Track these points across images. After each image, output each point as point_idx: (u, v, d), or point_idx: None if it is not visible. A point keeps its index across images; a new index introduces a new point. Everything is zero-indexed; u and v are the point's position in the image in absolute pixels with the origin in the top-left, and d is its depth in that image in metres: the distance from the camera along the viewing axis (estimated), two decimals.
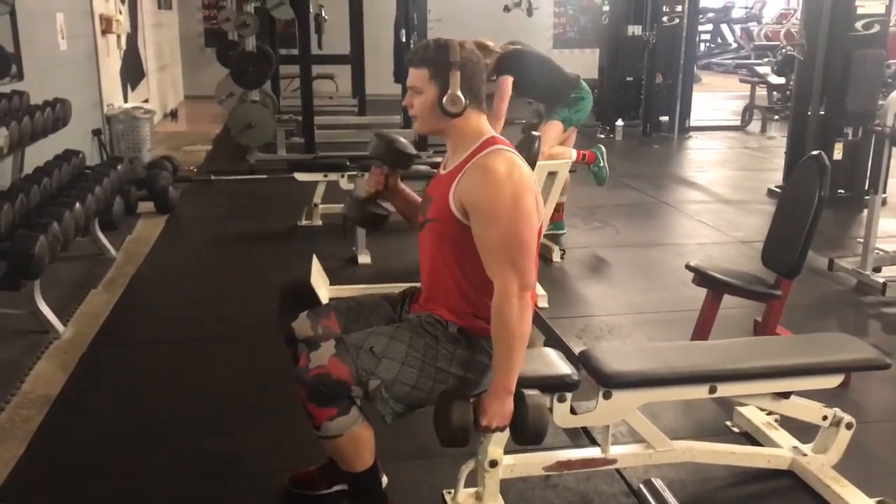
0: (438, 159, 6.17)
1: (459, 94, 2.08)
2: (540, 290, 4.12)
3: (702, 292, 3.27)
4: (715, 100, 13.01)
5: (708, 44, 18.60)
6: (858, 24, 5.97)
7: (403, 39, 9.03)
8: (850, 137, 6.17)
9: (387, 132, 2.44)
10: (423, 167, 5.40)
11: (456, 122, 2.12)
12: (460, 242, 2.10)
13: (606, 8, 10.17)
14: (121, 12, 8.18)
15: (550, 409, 2.25)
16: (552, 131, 5.04)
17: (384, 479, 2.43)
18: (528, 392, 2.09)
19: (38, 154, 4.69)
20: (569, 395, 2.25)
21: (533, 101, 5.15)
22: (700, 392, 2.38)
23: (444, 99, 2.08)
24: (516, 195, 2.02)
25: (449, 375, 2.13)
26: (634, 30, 9.59)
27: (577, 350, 2.93)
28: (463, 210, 2.07)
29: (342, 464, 2.25)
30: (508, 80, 4.85)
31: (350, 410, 2.13)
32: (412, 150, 2.43)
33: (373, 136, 2.44)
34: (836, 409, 2.54)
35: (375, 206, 2.47)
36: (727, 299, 3.22)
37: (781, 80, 10.07)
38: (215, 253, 5.16)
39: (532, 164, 3.68)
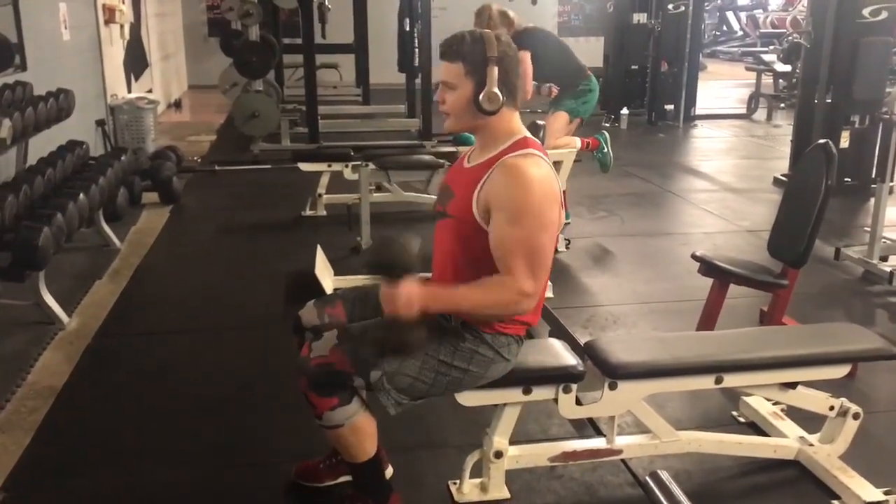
0: (443, 149, 6.18)
1: (497, 90, 2.02)
2: None
3: (708, 282, 3.26)
4: (721, 88, 12.95)
5: (714, 32, 18.51)
6: (866, 11, 5.92)
7: (407, 28, 9.00)
8: (857, 125, 6.13)
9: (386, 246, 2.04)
10: (426, 157, 5.40)
11: (490, 119, 2.07)
12: (474, 245, 2.07)
13: None
14: (124, 2, 8.16)
15: (556, 400, 2.24)
16: (557, 122, 5.05)
17: (389, 470, 2.43)
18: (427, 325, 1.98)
19: (42, 145, 4.69)
20: (574, 386, 2.24)
21: (539, 82, 5.17)
22: (706, 382, 2.38)
23: (482, 96, 2.02)
24: (543, 203, 1.99)
25: (452, 368, 2.12)
26: (640, 17, 9.56)
27: (582, 340, 2.92)
28: (485, 212, 2.03)
29: (345, 454, 2.25)
30: (527, 55, 4.89)
31: (351, 400, 2.12)
32: (407, 256, 1.98)
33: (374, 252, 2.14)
34: (843, 399, 2.53)
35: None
36: (733, 289, 3.21)
37: (788, 68, 10.02)
38: (220, 243, 5.16)
39: None
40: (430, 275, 2.31)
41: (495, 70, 2.02)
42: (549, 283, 4.08)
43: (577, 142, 5.05)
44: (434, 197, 2.60)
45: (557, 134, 4.94)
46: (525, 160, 2.02)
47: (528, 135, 2.13)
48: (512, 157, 2.03)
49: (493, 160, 2.06)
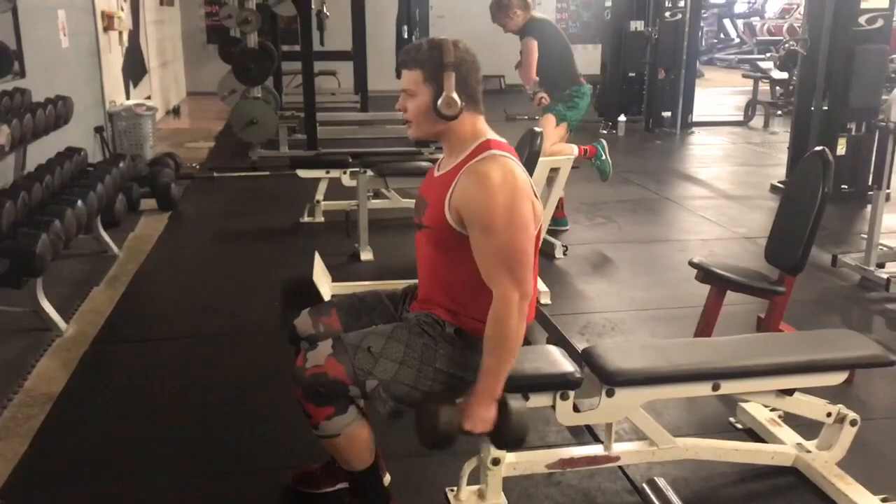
0: (441, 156, 6.16)
1: (454, 96, 2.03)
2: (542, 286, 4.12)
3: (705, 289, 3.26)
4: (717, 95, 12.97)
5: (712, 40, 18.55)
6: (862, 19, 5.94)
7: (405, 36, 9.04)
8: (853, 133, 6.15)
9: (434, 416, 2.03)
10: (424, 163, 5.40)
11: (452, 124, 2.07)
12: (455, 250, 2.07)
13: (609, 3, 10.15)
14: (122, 9, 8.18)
15: (553, 407, 2.24)
16: (548, 126, 5.08)
17: (387, 477, 2.43)
18: (513, 397, 2.07)
19: (41, 151, 4.69)
20: (571, 393, 2.24)
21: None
22: (703, 389, 2.38)
23: (439, 101, 2.03)
24: (512, 203, 1.98)
25: (447, 376, 2.12)
26: (637, 25, 9.57)
27: (579, 347, 2.91)
28: (459, 219, 2.04)
29: (342, 463, 2.25)
30: (534, 43, 4.98)
31: (347, 410, 2.12)
32: (448, 424, 2.02)
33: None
34: (841, 406, 2.54)
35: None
36: (730, 296, 3.21)
37: (784, 76, 10.02)
38: (218, 250, 5.16)
39: (534, 161, 3.68)
40: (414, 282, 2.32)
41: (452, 76, 2.03)
42: (547, 289, 4.12)
43: (575, 149, 5.07)
44: None
45: (550, 137, 4.96)
46: (487, 163, 2.02)
47: (493, 136, 2.12)
48: (474, 163, 2.04)
49: (459, 166, 2.07)
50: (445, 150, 2.18)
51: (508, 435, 2.05)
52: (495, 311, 2.00)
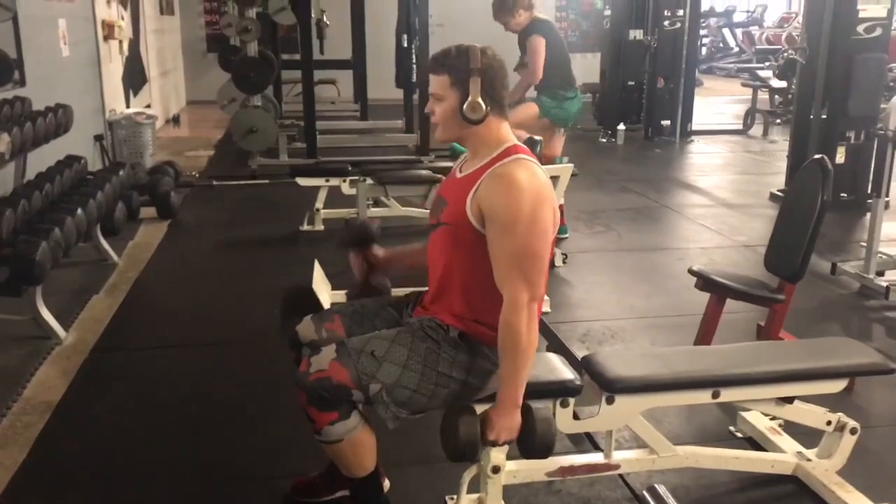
0: (441, 164, 6.19)
1: (480, 100, 2.06)
2: None
3: (705, 297, 3.26)
4: (717, 104, 13.00)
5: (711, 49, 18.60)
6: (860, 28, 5.96)
7: (405, 44, 9.04)
8: (852, 141, 6.16)
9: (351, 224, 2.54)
10: (424, 172, 5.41)
11: (477, 128, 2.11)
12: (473, 249, 2.08)
13: (608, 12, 10.18)
14: (123, 18, 8.20)
15: (553, 415, 2.24)
16: (526, 110, 5.10)
17: (387, 485, 2.43)
18: (535, 404, 2.08)
19: (40, 160, 4.70)
20: (571, 401, 2.24)
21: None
22: (703, 397, 2.38)
23: (465, 106, 2.07)
24: (535, 207, 2.00)
25: (451, 380, 2.12)
26: (636, 34, 9.59)
27: (579, 355, 2.92)
28: (480, 217, 2.05)
29: (343, 469, 2.24)
30: (542, 40, 5.03)
31: (350, 415, 2.12)
32: (370, 227, 2.56)
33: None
34: (841, 414, 2.53)
35: (371, 288, 2.53)
36: (730, 303, 3.21)
37: (783, 84, 10.06)
38: (217, 258, 5.16)
39: None
40: (421, 289, 2.32)
41: (478, 81, 2.06)
42: (546, 297, 4.11)
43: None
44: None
45: (518, 119, 4.85)
46: (514, 166, 2.05)
47: (517, 142, 2.15)
48: (501, 166, 2.06)
49: (484, 168, 2.09)
50: (470, 152, 2.21)
51: (535, 442, 2.06)
52: (505, 315, 2.01)
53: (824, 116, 6.19)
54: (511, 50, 5.57)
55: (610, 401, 2.28)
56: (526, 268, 2.00)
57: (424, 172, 5.35)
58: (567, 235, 5.40)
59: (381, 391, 2.07)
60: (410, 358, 2.10)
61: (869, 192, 5.83)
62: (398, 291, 2.56)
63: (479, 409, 2.13)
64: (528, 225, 1.99)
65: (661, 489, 2.44)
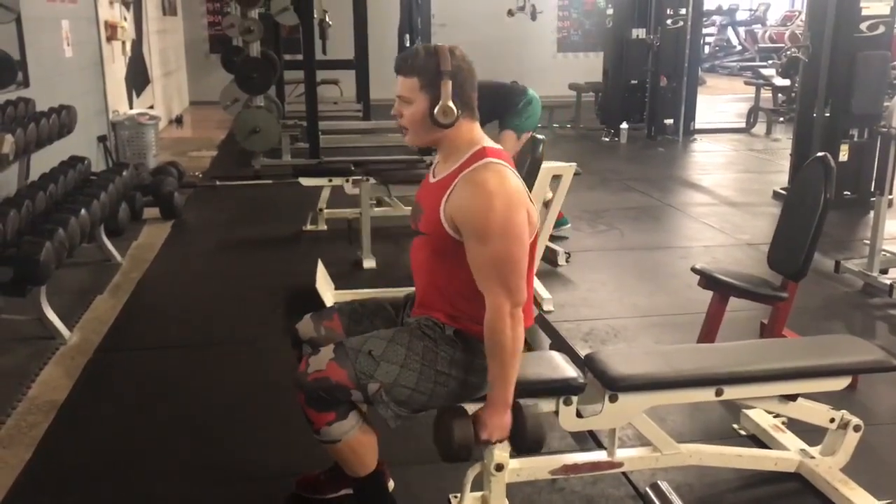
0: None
1: (451, 104, 2.03)
2: (545, 293, 4.13)
3: (708, 295, 3.26)
4: (720, 102, 12.99)
5: (715, 47, 18.58)
6: (863, 26, 5.95)
7: (407, 44, 9.05)
8: (855, 139, 6.15)
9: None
10: (427, 171, 5.41)
11: (448, 132, 2.07)
12: (451, 257, 2.07)
13: (610, 11, 10.18)
14: (126, 19, 8.22)
15: (556, 413, 2.25)
16: (508, 143, 5.04)
17: (391, 483, 2.43)
18: (525, 402, 2.09)
19: (44, 161, 4.71)
20: (575, 399, 2.24)
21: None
22: (707, 395, 2.38)
23: (436, 110, 2.03)
24: (507, 212, 1.98)
25: (450, 378, 2.12)
26: (638, 33, 9.59)
27: (582, 353, 2.92)
28: (454, 226, 2.04)
29: (345, 468, 2.25)
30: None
31: (348, 415, 2.13)
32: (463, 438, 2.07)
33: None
34: (844, 412, 2.53)
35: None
36: (733, 302, 3.21)
37: (786, 82, 10.05)
38: (221, 258, 5.17)
39: (536, 168, 3.69)
40: (413, 289, 2.32)
41: (449, 84, 2.02)
42: (550, 296, 4.12)
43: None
44: None
45: (511, 153, 4.90)
46: (482, 172, 2.02)
47: (489, 143, 2.12)
48: (469, 172, 2.03)
49: (455, 173, 2.07)
50: (441, 156, 2.18)
51: (526, 439, 2.07)
52: (489, 321, 2.01)
53: (827, 114, 6.18)
54: (511, 50, 5.58)
55: (613, 399, 2.28)
56: (504, 275, 1.98)
57: (427, 172, 5.35)
58: (569, 225, 5.40)
59: (379, 390, 2.08)
60: (408, 357, 2.10)
61: (872, 189, 5.82)
62: (397, 291, 2.57)
63: (472, 408, 2.14)
64: (502, 232, 1.97)
65: (665, 486, 2.45)
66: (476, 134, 2.13)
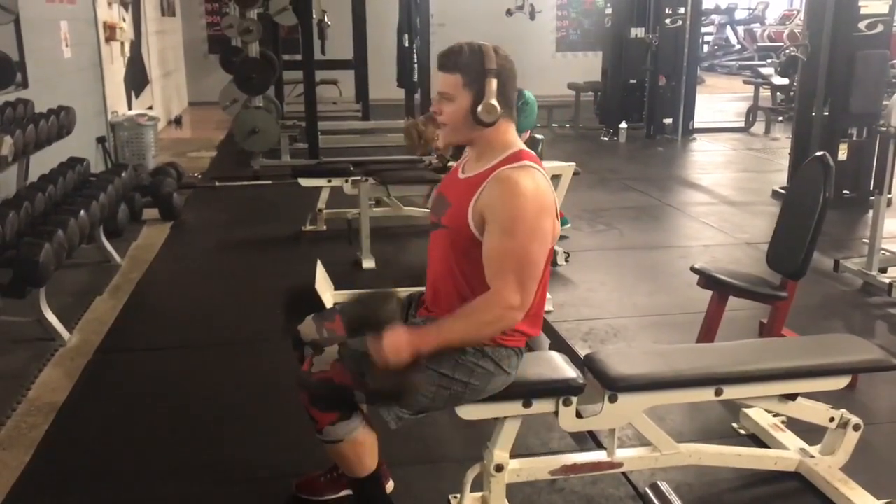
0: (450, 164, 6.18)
1: (495, 102, 2.02)
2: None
3: (707, 294, 3.26)
4: (718, 101, 12.99)
5: (714, 46, 18.58)
6: (862, 24, 5.96)
7: (406, 44, 9.05)
8: (854, 138, 6.15)
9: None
10: (426, 172, 5.41)
11: (486, 131, 2.07)
12: (469, 255, 2.07)
13: (609, 11, 10.18)
14: (124, 20, 8.21)
15: (556, 413, 2.25)
16: None
17: (391, 484, 2.43)
18: (421, 370, 1.98)
19: (43, 162, 4.71)
20: (574, 399, 2.24)
21: None
22: (706, 395, 2.38)
23: (480, 108, 2.02)
24: (538, 215, 1.99)
25: (453, 381, 2.11)
26: (637, 32, 9.59)
27: (582, 353, 2.92)
28: (481, 225, 2.03)
29: (345, 469, 2.25)
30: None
31: (352, 416, 2.13)
32: (387, 307, 2.01)
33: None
34: (844, 411, 2.53)
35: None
36: (733, 301, 3.21)
37: (785, 81, 10.04)
38: (220, 259, 5.17)
39: None
40: (423, 289, 2.32)
41: (494, 82, 2.02)
42: (549, 296, 4.11)
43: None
44: None
45: None
46: (520, 172, 2.02)
47: (524, 147, 2.13)
48: (507, 169, 2.03)
49: (489, 171, 2.06)
50: (473, 154, 2.16)
51: (380, 384, 1.95)
52: (488, 300, 1.99)
53: (826, 113, 6.18)
54: (510, 50, 5.57)
55: (613, 399, 2.28)
56: (521, 273, 1.98)
57: (427, 173, 5.35)
58: (569, 225, 5.40)
59: None
60: None
61: (871, 188, 5.82)
62: (399, 292, 2.56)
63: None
64: (530, 231, 1.97)
65: (664, 486, 2.45)
66: (512, 136, 2.13)
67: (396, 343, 1.93)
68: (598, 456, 2.47)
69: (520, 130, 5.20)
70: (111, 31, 7.53)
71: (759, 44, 17.16)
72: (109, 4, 7.68)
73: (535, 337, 2.31)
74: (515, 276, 1.98)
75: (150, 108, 9.04)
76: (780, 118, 10.46)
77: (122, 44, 8.11)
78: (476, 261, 2.05)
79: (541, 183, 2.03)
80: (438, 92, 2.10)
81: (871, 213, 4.72)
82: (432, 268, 2.24)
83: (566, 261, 4.83)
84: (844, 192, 6.16)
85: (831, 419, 2.52)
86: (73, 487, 2.61)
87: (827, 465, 2.54)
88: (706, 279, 3.21)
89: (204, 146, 9.08)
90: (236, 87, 7.91)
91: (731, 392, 2.38)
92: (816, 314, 4.09)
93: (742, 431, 2.90)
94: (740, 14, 19.07)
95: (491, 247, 2.01)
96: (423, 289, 2.35)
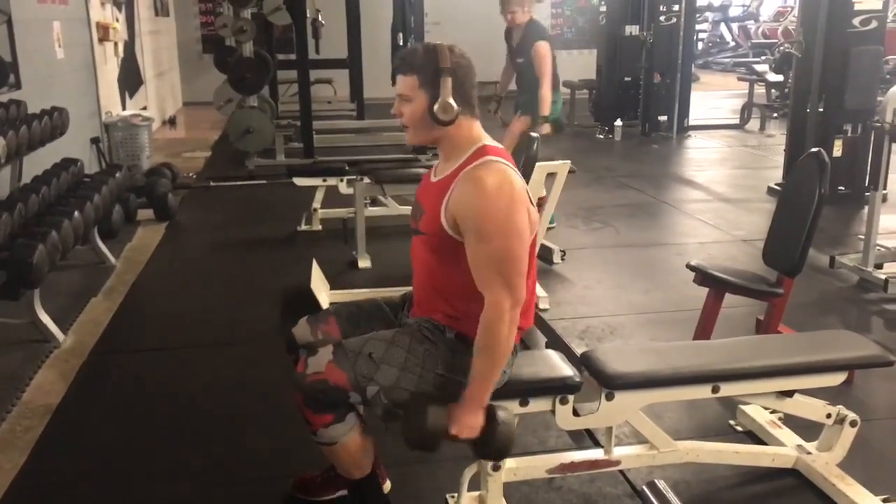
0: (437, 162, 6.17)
1: (451, 101, 2.02)
2: (541, 291, 4.12)
3: (703, 292, 3.26)
4: (713, 98, 13.01)
5: (708, 43, 18.60)
6: (856, 21, 5.96)
7: (401, 43, 9.04)
8: (849, 134, 6.16)
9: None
10: (421, 170, 5.40)
11: (448, 129, 2.07)
12: (451, 256, 2.07)
13: (603, 8, 10.18)
14: (118, 20, 8.19)
15: (553, 412, 2.24)
16: (521, 126, 5.13)
17: (387, 484, 2.43)
18: (500, 406, 2.05)
19: (37, 163, 4.69)
20: (571, 397, 2.24)
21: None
22: (703, 392, 2.38)
23: (436, 107, 2.02)
24: (508, 210, 1.97)
25: (449, 381, 2.11)
26: (632, 30, 9.60)
27: (578, 351, 2.92)
28: (455, 225, 2.03)
29: (341, 470, 2.25)
30: (548, 45, 5.08)
31: (346, 417, 2.12)
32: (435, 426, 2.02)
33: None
34: (840, 407, 2.53)
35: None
36: (729, 298, 3.21)
37: (780, 78, 10.07)
38: (215, 259, 5.15)
39: (531, 166, 3.68)
40: (411, 288, 2.31)
41: (448, 81, 2.02)
42: (546, 294, 4.12)
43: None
44: None
45: (517, 137, 4.98)
46: (483, 170, 2.01)
47: (489, 141, 2.11)
48: (471, 169, 2.03)
49: (456, 172, 2.06)
50: (441, 155, 2.17)
51: (493, 445, 2.02)
52: (486, 318, 1.99)
53: (821, 110, 6.18)
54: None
55: (609, 397, 2.28)
56: (505, 273, 1.97)
57: (422, 171, 5.34)
58: (554, 225, 5.38)
59: (378, 393, 2.07)
60: (408, 360, 2.09)
61: (866, 184, 5.83)
62: (393, 291, 2.56)
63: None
64: (503, 229, 1.96)
65: (662, 484, 2.44)
66: (476, 132, 2.12)
67: (466, 424, 1.99)
68: (596, 454, 2.47)
69: (554, 120, 5.28)
70: (104, 31, 7.50)
71: (754, 41, 17.18)
72: (102, 4, 7.66)
73: (529, 330, 2.31)
74: (501, 278, 1.97)
75: (145, 108, 9.02)
76: (775, 115, 10.47)
77: (116, 44, 8.08)
78: (456, 263, 2.05)
79: (506, 175, 2.02)
80: (397, 94, 2.11)
81: (866, 209, 4.73)
82: (417, 274, 2.24)
83: (562, 259, 4.83)
84: (839, 188, 6.17)
85: (828, 415, 2.52)
86: (69, 490, 2.59)
87: (824, 462, 2.54)
88: (702, 276, 3.21)
89: (198, 146, 9.06)
90: (230, 86, 7.89)
91: (728, 389, 2.38)
92: (813, 310, 4.10)
93: (739, 428, 2.90)
94: (735, 11, 19.11)
95: (471, 255, 2.01)
96: (407, 289, 2.35)
